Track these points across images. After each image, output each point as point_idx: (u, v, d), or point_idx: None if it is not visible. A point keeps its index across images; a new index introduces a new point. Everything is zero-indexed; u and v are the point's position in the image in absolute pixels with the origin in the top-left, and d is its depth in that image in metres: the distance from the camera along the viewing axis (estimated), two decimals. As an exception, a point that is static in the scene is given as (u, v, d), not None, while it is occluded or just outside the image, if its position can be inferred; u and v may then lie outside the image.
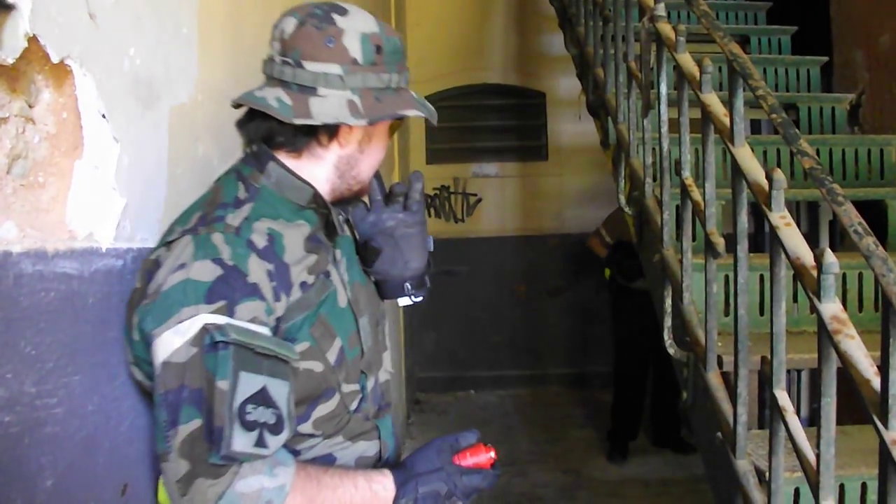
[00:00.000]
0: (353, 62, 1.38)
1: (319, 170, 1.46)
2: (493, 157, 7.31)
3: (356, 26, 1.40)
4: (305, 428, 1.39)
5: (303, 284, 1.37)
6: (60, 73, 1.22)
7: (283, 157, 1.44)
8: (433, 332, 7.10)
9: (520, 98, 7.38)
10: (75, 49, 1.25)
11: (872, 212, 3.13)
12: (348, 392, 1.46)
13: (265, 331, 1.27)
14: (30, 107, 1.16)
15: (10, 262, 1.09)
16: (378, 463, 1.56)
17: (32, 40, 1.13)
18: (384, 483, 1.38)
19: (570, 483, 5.19)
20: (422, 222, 1.63)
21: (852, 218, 1.43)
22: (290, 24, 1.40)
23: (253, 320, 1.25)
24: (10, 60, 1.09)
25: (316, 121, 1.37)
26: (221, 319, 1.22)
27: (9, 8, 1.09)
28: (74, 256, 1.25)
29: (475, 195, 7.28)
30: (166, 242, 1.32)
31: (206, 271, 1.25)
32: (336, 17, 1.40)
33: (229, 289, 1.25)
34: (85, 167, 1.29)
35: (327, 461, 1.45)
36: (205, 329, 1.21)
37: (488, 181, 7.29)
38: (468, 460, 1.46)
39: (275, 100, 1.37)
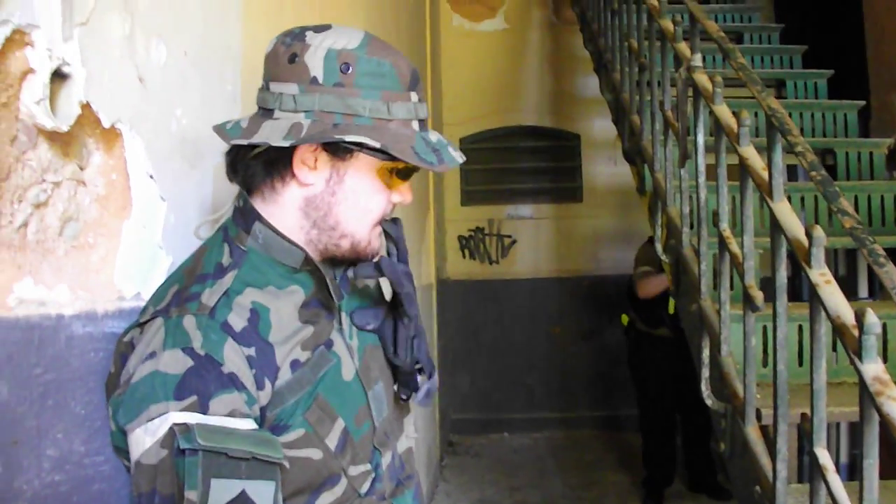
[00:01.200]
0: (311, 81, 1.19)
1: (284, 216, 1.25)
2: (528, 199, 7.32)
3: (326, 42, 1.20)
4: None
5: (293, 364, 1.20)
6: (111, 136, 1.26)
7: (258, 205, 1.25)
8: (467, 373, 7.08)
9: (554, 140, 7.41)
10: (125, 113, 1.29)
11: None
12: (357, 475, 1.27)
13: (246, 424, 1.10)
14: (81, 169, 1.20)
15: (62, 325, 1.12)
16: None
17: (86, 107, 1.17)
18: None
19: (605, 529, 5.14)
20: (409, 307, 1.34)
21: (894, 280, 1.42)
22: (269, 46, 1.25)
23: (231, 413, 1.08)
24: (65, 128, 1.12)
25: (244, 141, 1.20)
26: (192, 418, 1.05)
27: (64, 77, 1.13)
28: (122, 316, 1.28)
29: (510, 237, 7.29)
30: (140, 324, 1.17)
31: (175, 362, 1.09)
32: (309, 33, 1.22)
33: (201, 382, 1.08)
34: (133, 227, 1.32)
35: None
36: (173, 431, 1.04)
37: (523, 223, 7.30)
38: None
39: (234, 122, 1.25)
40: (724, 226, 2.28)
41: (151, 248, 1.38)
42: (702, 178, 2.55)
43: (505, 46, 7.37)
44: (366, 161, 1.22)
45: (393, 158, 1.19)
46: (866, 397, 1.43)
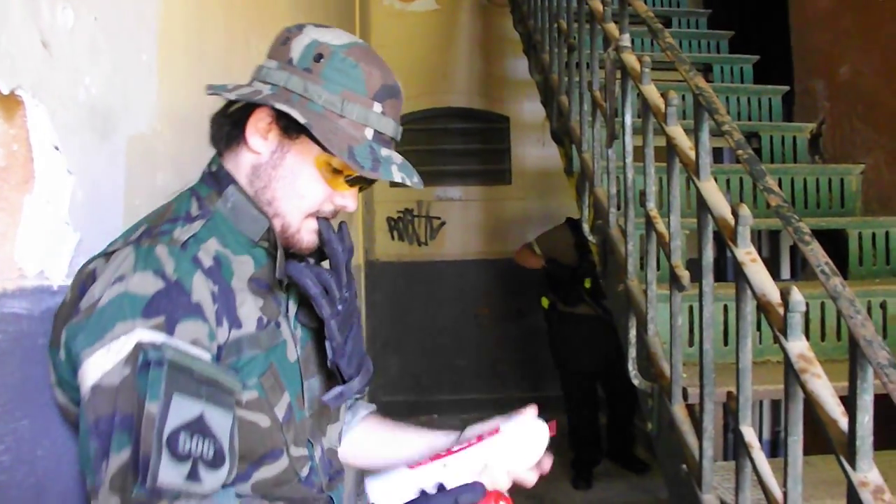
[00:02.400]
0: (288, 61, 1.27)
1: (237, 171, 1.31)
2: (457, 181, 7.30)
3: (315, 34, 1.28)
4: (243, 489, 1.22)
5: (259, 321, 1.26)
6: (11, 103, 1.18)
7: (230, 166, 1.32)
8: (396, 355, 7.05)
9: (484, 122, 7.39)
10: (27, 79, 1.21)
11: (833, 240, 3.16)
12: (298, 456, 1.30)
13: (206, 356, 1.12)
14: (-22, 139, 1.13)
15: (-45, 304, 1.05)
16: None
17: (-19, 72, 1.10)
18: None
19: (533, 508, 5.16)
20: (339, 311, 1.34)
21: (819, 258, 1.43)
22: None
23: (194, 342, 1.11)
24: (-42, 94, 1.05)
25: (222, 94, 1.27)
26: (158, 337, 1.07)
27: (-43, 39, 1.06)
28: (24, 295, 1.20)
29: (438, 218, 7.26)
30: (105, 253, 1.19)
31: (146, 284, 1.10)
32: (310, 26, 1.30)
33: (170, 304, 1.10)
34: (36, 202, 1.24)
35: None
36: (139, 347, 1.05)
37: (452, 204, 7.28)
38: None
39: (223, 84, 1.30)
40: (651, 205, 2.28)
41: (57, 224, 1.30)
42: (629, 159, 2.54)
43: (436, 27, 7.31)
44: (308, 147, 1.27)
45: (326, 149, 1.22)
46: (791, 375, 1.43)
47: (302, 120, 1.21)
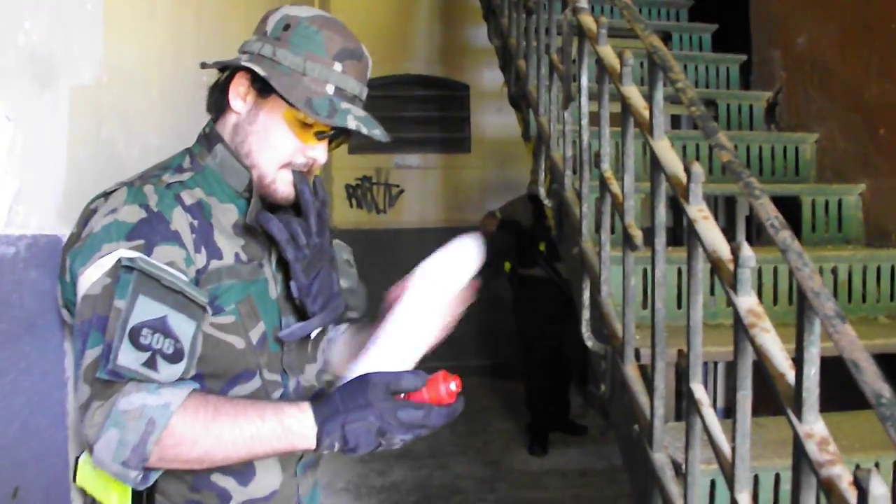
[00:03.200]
0: (263, 33, 1.47)
1: (224, 131, 1.50)
2: (416, 149, 7.27)
3: (287, 10, 1.47)
4: None
5: (237, 255, 1.44)
6: (-55, 45, 1.14)
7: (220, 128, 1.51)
8: (354, 323, 7.02)
9: (443, 89, 7.36)
10: (-38, 20, 1.17)
11: (787, 208, 3.19)
12: (270, 380, 1.47)
13: (181, 276, 1.29)
14: (-90, 81, 1.08)
15: None
16: (300, 461, 1.54)
17: (-89, 9, 1.06)
18: (299, 418, 1.26)
19: (490, 475, 5.19)
20: (310, 251, 1.49)
21: (769, 212, 1.42)
22: None
23: (170, 264, 1.29)
24: None
25: (209, 64, 1.49)
26: (136, 255, 1.26)
27: None
28: (-41, 243, 1.17)
29: (397, 186, 7.24)
30: (105, 193, 1.37)
31: (131, 214, 1.31)
32: (286, 6, 1.49)
33: (151, 230, 1.30)
34: (-28, 148, 1.21)
35: None
36: (119, 261, 1.24)
37: (411, 172, 7.26)
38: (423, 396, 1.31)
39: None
40: (606, 166, 2.27)
41: (-6, 171, 1.27)
42: (585, 121, 2.53)
43: (396, -7, 7.25)
44: (278, 104, 1.43)
45: (287, 100, 1.39)
46: (741, 330, 1.44)
47: (262, 73, 1.39)
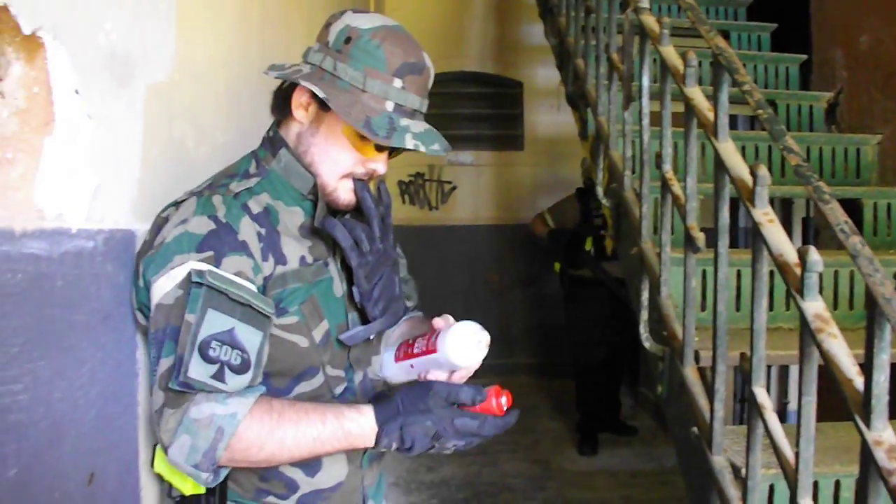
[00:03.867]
0: (325, 44, 1.49)
1: (288, 137, 1.55)
2: (469, 146, 7.28)
3: (349, 20, 1.48)
4: None
5: (302, 259, 1.49)
6: (32, 45, 1.18)
7: (283, 132, 1.55)
8: (404, 320, 7.06)
9: (497, 87, 7.36)
10: (48, 20, 1.21)
11: (848, 210, 3.14)
12: (333, 376, 1.53)
13: (249, 285, 1.36)
14: (-1, 80, 1.12)
15: (-25, 242, 1.05)
16: (366, 453, 1.60)
17: (3, 9, 1.10)
18: (359, 421, 1.35)
19: (539, 474, 5.19)
20: (375, 257, 1.55)
21: (839, 217, 1.42)
22: None
23: (238, 274, 1.35)
24: (-21, 31, 1.04)
25: (270, 73, 1.51)
26: (206, 267, 1.32)
27: (-22, -24, 1.05)
28: (43, 237, 1.21)
29: (450, 183, 7.26)
30: (176, 203, 1.44)
31: (201, 225, 1.36)
32: (349, 12, 1.50)
33: (219, 242, 1.35)
34: (56, 144, 1.24)
35: None
36: (190, 274, 1.30)
37: (464, 169, 7.27)
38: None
39: (282, 62, 1.55)
40: (668, 167, 2.26)
41: (76, 167, 1.30)
42: (646, 121, 2.52)
43: (451, -9, 7.27)
44: (338, 119, 1.46)
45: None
46: (807, 334, 1.43)
47: (321, 94, 1.42)
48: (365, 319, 1.57)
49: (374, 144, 1.48)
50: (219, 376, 1.28)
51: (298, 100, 1.51)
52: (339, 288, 1.57)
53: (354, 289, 1.53)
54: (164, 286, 1.32)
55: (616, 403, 5.92)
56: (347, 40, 1.45)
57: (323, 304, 1.51)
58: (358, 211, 1.56)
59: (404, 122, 1.45)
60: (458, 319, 1.54)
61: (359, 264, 1.51)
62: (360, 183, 1.53)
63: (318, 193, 1.51)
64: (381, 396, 1.56)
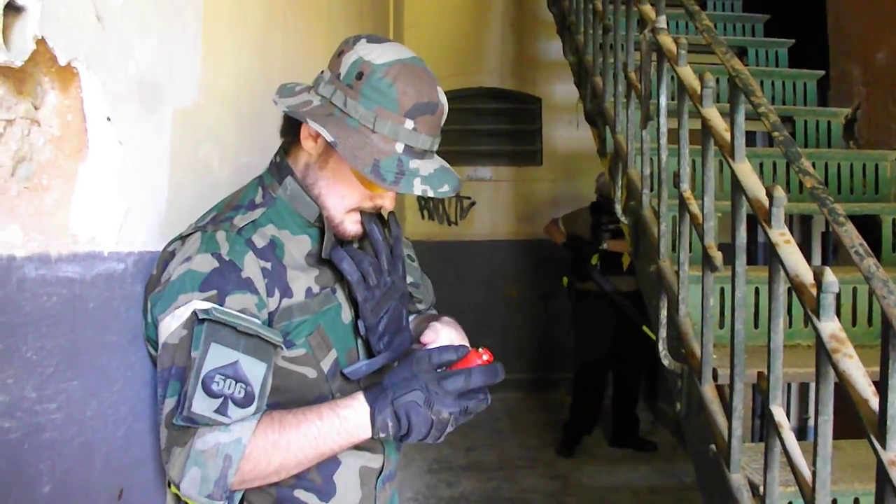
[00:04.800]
0: (337, 75, 1.44)
1: (295, 164, 1.53)
2: (488, 161, 7.31)
3: (362, 52, 1.43)
4: None
5: (308, 290, 1.47)
6: (67, 75, 1.22)
7: (291, 159, 1.54)
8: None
9: (516, 103, 7.39)
10: (82, 51, 1.24)
11: (866, 226, 3.15)
12: None
13: (254, 320, 1.34)
14: (35, 108, 1.15)
15: (13, 267, 1.09)
16: (380, 476, 1.60)
17: (41, 42, 1.13)
18: (352, 405, 1.34)
19: (559, 489, 5.19)
20: (381, 291, 1.55)
21: (853, 239, 1.44)
22: None
23: (242, 311, 1.34)
24: (19, 63, 1.08)
25: (277, 99, 1.49)
26: (209, 305, 1.32)
27: (18, 10, 1.09)
28: (77, 260, 1.25)
29: (469, 198, 7.28)
30: (182, 236, 1.43)
31: (204, 263, 1.36)
32: (362, 41, 1.46)
33: (223, 280, 1.35)
34: (89, 170, 1.28)
35: (333, 464, 1.49)
36: (195, 313, 1.30)
37: (482, 185, 7.29)
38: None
39: (291, 85, 1.54)
40: (685, 186, 2.28)
41: (108, 192, 1.34)
42: (663, 140, 2.55)
43: (468, 7, 7.31)
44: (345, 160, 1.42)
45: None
46: (823, 354, 1.45)
47: (329, 138, 1.38)
48: (370, 349, 1.56)
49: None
50: (222, 410, 1.28)
51: (307, 131, 1.48)
52: (348, 314, 1.55)
53: (360, 322, 1.52)
54: (170, 325, 1.33)
55: (634, 419, 5.95)
56: (360, 76, 1.41)
57: (331, 333, 1.50)
58: (365, 238, 1.56)
59: (414, 164, 1.42)
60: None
61: (365, 298, 1.50)
62: (367, 215, 1.53)
63: (325, 223, 1.50)
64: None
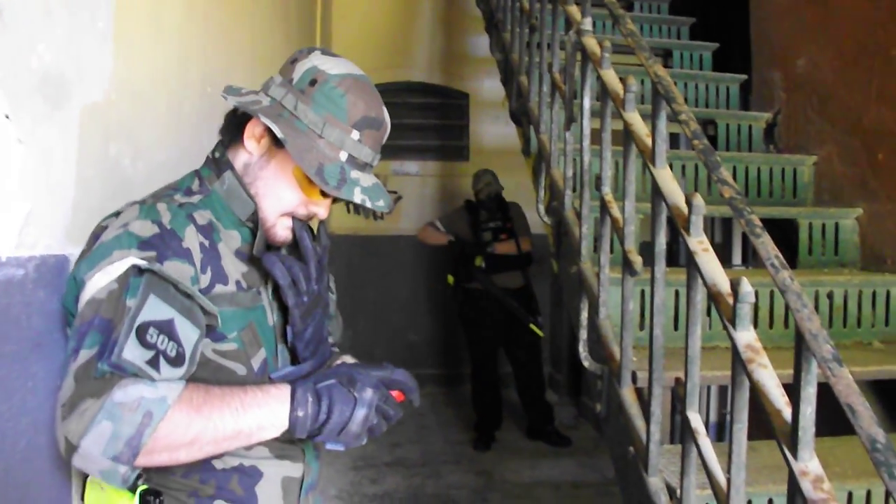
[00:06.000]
0: (289, 80, 1.48)
1: (235, 162, 1.53)
2: (415, 156, 7.28)
3: (317, 62, 1.48)
4: None
5: (238, 283, 1.47)
6: (-39, 71, 1.16)
7: (231, 155, 1.53)
8: (349, 329, 7.03)
9: (443, 98, 7.38)
10: (-23, 46, 1.18)
11: (784, 230, 3.21)
12: None
13: (191, 287, 1.33)
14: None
15: None
16: (302, 485, 1.56)
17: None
18: (277, 385, 1.35)
19: (483, 485, 5.20)
20: (307, 297, 1.55)
21: (769, 251, 1.45)
22: None
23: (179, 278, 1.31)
24: None
25: (226, 96, 1.48)
26: (149, 264, 1.27)
27: None
28: (-28, 266, 1.19)
29: (395, 193, 7.18)
30: (116, 213, 1.40)
31: (144, 228, 1.33)
32: (317, 52, 1.51)
33: (163, 245, 1.33)
34: (-15, 171, 1.22)
35: (255, 475, 1.46)
36: (132, 268, 1.27)
37: (409, 179, 7.26)
38: None
39: (237, 86, 1.52)
40: (607, 190, 2.29)
41: (6, 194, 1.28)
42: (586, 142, 2.55)
43: (397, 1, 7.26)
44: (290, 158, 1.45)
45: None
46: (738, 364, 1.46)
47: (280, 135, 1.39)
48: (293, 355, 1.56)
49: (321, 190, 1.47)
50: (153, 363, 1.23)
51: (252, 131, 1.49)
52: (271, 317, 1.54)
53: (289, 328, 1.52)
54: (99, 281, 1.27)
55: (547, 410, 6.07)
56: (313, 82, 1.45)
57: (260, 332, 1.49)
58: (294, 247, 1.56)
59: (355, 174, 1.46)
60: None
61: (295, 304, 1.50)
62: (299, 222, 1.54)
63: (258, 224, 1.50)
64: None
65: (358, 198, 1.45)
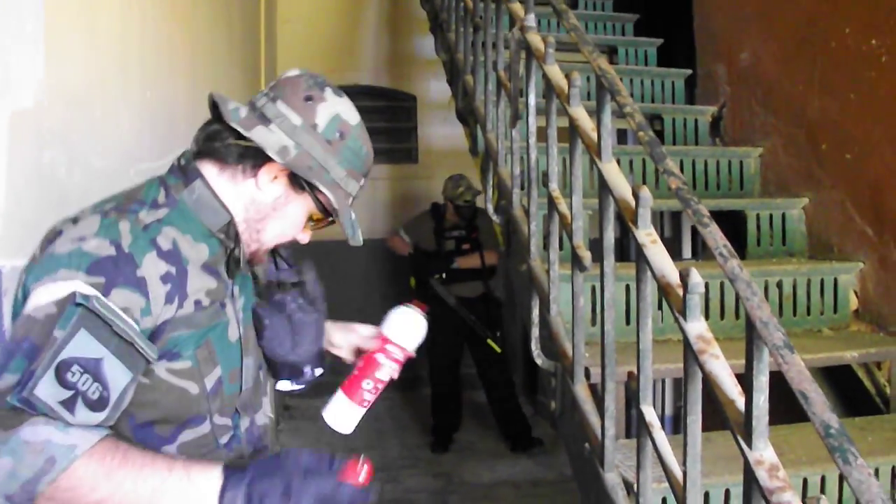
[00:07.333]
0: (313, 126, 1.42)
1: (230, 195, 1.44)
2: (364, 159, 7.24)
3: (337, 107, 1.45)
4: (170, 450, 1.35)
5: (197, 303, 1.37)
6: None
7: (209, 167, 1.43)
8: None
9: (391, 100, 7.35)
10: None
11: (732, 221, 3.23)
12: (220, 425, 1.44)
13: (132, 324, 1.23)
14: None
15: None
16: None
17: None
18: (207, 473, 1.22)
19: (442, 487, 5.18)
20: (322, 314, 1.66)
21: (717, 240, 1.44)
22: (292, 72, 1.49)
23: (124, 310, 1.22)
24: None
25: (243, 132, 1.39)
26: (92, 292, 1.19)
27: None
28: None
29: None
30: (74, 218, 1.31)
31: (99, 248, 1.24)
32: (329, 90, 1.46)
33: (115, 271, 1.23)
34: None
35: None
36: (73, 294, 1.17)
37: (359, 183, 7.22)
38: None
39: (235, 106, 1.42)
40: (554, 186, 2.28)
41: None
42: (532, 139, 2.55)
43: (342, 3, 7.24)
44: (307, 202, 1.46)
45: (327, 214, 1.48)
46: (690, 355, 1.45)
47: (335, 205, 1.44)
48: (270, 365, 1.62)
49: (309, 219, 1.51)
50: (69, 405, 1.14)
51: (270, 170, 1.42)
52: (235, 332, 1.47)
53: (296, 338, 1.58)
54: (40, 297, 1.19)
55: (521, 419, 5.95)
56: (342, 135, 1.44)
57: (218, 349, 1.41)
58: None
59: (353, 215, 1.52)
60: None
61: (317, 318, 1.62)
62: (285, 250, 1.62)
63: (232, 232, 1.44)
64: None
65: (360, 240, 1.52)
